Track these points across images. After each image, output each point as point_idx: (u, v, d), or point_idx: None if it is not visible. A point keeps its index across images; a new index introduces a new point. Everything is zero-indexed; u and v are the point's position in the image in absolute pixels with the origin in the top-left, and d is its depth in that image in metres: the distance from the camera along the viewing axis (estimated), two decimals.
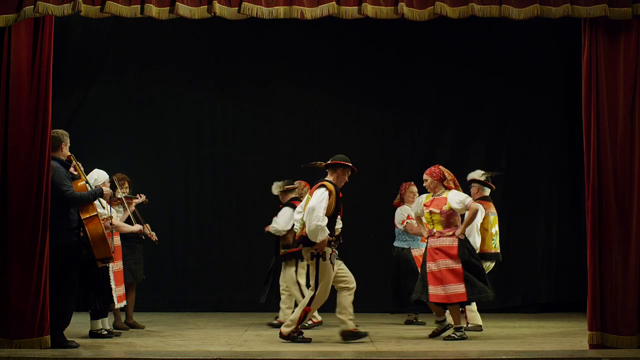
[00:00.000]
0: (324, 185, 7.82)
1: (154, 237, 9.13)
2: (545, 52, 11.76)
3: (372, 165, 11.35)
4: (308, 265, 8.94)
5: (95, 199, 7.55)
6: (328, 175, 8.01)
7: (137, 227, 8.83)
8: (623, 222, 7.26)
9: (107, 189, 7.76)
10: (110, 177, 8.62)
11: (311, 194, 7.90)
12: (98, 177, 8.38)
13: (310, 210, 7.67)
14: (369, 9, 7.23)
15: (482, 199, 9.15)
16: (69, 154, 7.57)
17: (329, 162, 8.04)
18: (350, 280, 8.06)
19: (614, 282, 7.22)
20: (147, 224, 9.11)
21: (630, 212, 7.27)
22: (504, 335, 8.72)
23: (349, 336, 7.88)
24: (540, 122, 11.79)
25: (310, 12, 7.25)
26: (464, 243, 8.18)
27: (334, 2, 7.23)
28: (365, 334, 7.98)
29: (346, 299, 7.95)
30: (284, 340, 7.80)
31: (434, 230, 8.26)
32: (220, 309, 11.35)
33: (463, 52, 11.71)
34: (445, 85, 11.78)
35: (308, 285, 9.20)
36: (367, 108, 11.85)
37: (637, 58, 7.37)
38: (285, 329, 7.86)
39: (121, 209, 8.88)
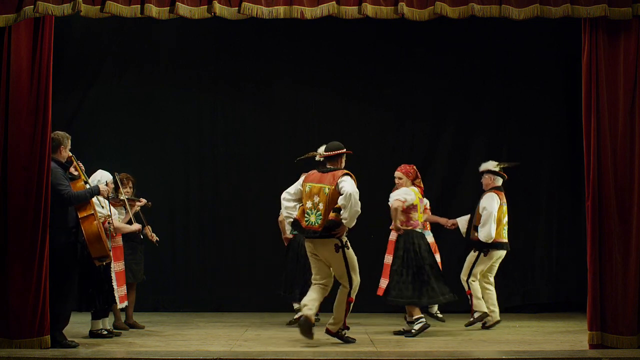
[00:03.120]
0: (348, 174, 7.79)
1: (155, 238, 9.13)
2: (546, 52, 11.76)
3: (372, 165, 11.35)
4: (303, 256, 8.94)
5: (92, 197, 7.55)
6: (330, 163, 7.94)
7: (135, 227, 8.81)
8: (623, 222, 7.27)
9: (103, 187, 7.75)
10: (114, 177, 8.62)
11: (311, 181, 7.84)
12: (101, 177, 8.38)
13: (350, 196, 7.57)
14: (369, 9, 7.23)
15: (496, 189, 9.26)
16: (69, 155, 7.58)
17: (329, 153, 7.97)
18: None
19: (614, 282, 7.22)
20: (148, 226, 9.12)
21: (630, 212, 7.27)
22: (504, 335, 8.72)
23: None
24: (540, 122, 11.79)
25: (310, 12, 7.26)
26: (403, 240, 8.55)
27: (334, 2, 7.23)
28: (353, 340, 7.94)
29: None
30: (333, 338, 7.77)
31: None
32: (220, 309, 11.34)
33: (463, 53, 11.71)
34: (446, 85, 11.77)
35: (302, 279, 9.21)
36: (367, 107, 11.85)
37: (637, 58, 7.37)
38: (333, 327, 7.82)
39: (123, 211, 8.87)
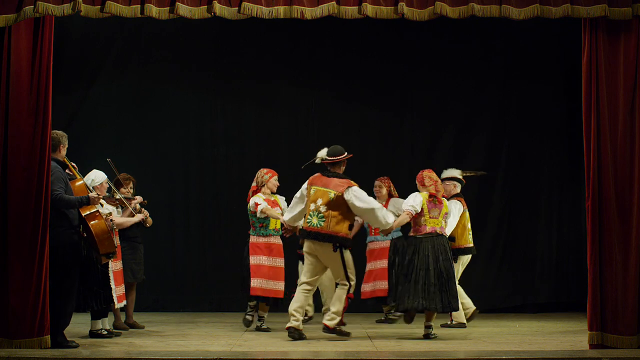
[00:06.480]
0: (355, 186, 7.98)
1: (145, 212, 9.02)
2: (546, 52, 11.76)
3: (372, 165, 11.34)
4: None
5: (80, 206, 7.39)
6: (333, 169, 8.09)
7: (138, 217, 8.74)
8: (623, 222, 7.26)
9: (93, 195, 7.52)
10: (114, 177, 8.61)
11: (316, 184, 7.98)
12: (95, 177, 8.36)
13: (377, 209, 7.93)
14: (369, 9, 7.23)
15: (457, 196, 9.43)
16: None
17: (332, 159, 8.10)
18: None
19: (614, 282, 7.22)
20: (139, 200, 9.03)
21: (630, 212, 7.27)
22: (504, 335, 8.72)
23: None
24: (540, 121, 11.80)
25: (310, 12, 7.26)
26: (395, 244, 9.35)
27: (334, 2, 7.23)
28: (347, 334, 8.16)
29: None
30: (331, 334, 7.92)
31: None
32: (220, 309, 11.35)
33: (463, 52, 11.71)
34: (446, 85, 11.77)
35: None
36: (367, 107, 11.85)
37: (637, 58, 7.37)
38: (331, 322, 7.94)
39: (120, 209, 8.86)
